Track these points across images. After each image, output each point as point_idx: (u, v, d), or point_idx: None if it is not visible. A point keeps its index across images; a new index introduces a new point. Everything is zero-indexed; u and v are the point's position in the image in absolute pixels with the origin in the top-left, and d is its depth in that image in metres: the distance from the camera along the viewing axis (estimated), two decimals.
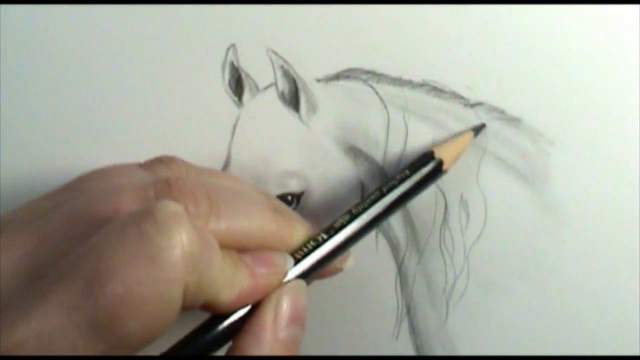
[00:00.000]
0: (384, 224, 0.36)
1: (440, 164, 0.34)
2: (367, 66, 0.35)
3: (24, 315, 0.24)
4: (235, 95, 0.36)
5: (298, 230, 0.32)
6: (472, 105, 0.35)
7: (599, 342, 0.36)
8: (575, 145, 0.35)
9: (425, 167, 0.34)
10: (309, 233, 0.32)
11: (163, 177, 0.30)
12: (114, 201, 0.28)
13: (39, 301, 0.24)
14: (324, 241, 0.31)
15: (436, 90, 0.35)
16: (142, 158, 0.36)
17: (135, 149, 0.36)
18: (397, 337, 0.37)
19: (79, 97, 0.36)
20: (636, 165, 0.34)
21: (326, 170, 0.36)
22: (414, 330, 0.37)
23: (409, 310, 0.37)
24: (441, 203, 0.36)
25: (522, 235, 0.36)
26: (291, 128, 0.36)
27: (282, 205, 0.33)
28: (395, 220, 0.36)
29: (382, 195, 0.33)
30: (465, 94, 0.35)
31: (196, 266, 0.25)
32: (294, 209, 0.36)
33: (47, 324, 0.24)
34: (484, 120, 0.35)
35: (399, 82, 0.35)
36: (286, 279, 0.30)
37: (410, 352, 0.37)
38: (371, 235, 0.36)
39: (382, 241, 0.37)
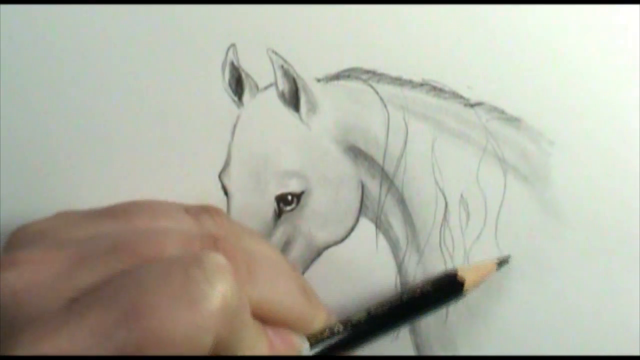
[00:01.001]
0: (384, 223, 0.36)
1: (461, 286, 0.34)
2: (367, 66, 0.35)
3: (52, 332, 0.24)
4: (235, 95, 0.36)
5: (320, 317, 0.32)
6: (472, 105, 0.35)
7: (599, 342, 0.36)
8: (575, 145, 0.35)
9: (446, 288, 0.35)
10: (327, 320, 0.33)
11: (208, 231, 0.31)
12: (160, 243, 0.28)
13: (70, 322, 0.24)
14: (339, 332, 0.32)
15: (436, 90, 0.35)
16: (142, 158, 0.36)
17: (135, 149, 0.36)
18: (397, 337, 0.37)
19: (79, 97, 0.36)
20: (636, 165, 0.34)
21: (326, 170, 0.36)
22: (414, 330, 0.37)
23: None
24: (441, 203, 0.36)
25: (522, 235, 0.36)
26: (291, 128, 0.36)
27: (309, 286, 0.34)
28: (395, 220, 0.36)
29: (402, 303, 0.34)
30: (465, 94, 0.35)
31: (231, 321, 0.26)
32: (294, 208, 0.36)
33: (73, 345, 0.24)
34: (483, 121, 0.35)
35: (399, 82, 0.35)
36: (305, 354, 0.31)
37: (410, 352, 0.37)
38: (371, 235, 0.36)
39: (382, 241, 0.37)
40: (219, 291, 0.25)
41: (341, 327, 0.32)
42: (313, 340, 0.32)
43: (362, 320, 0.33)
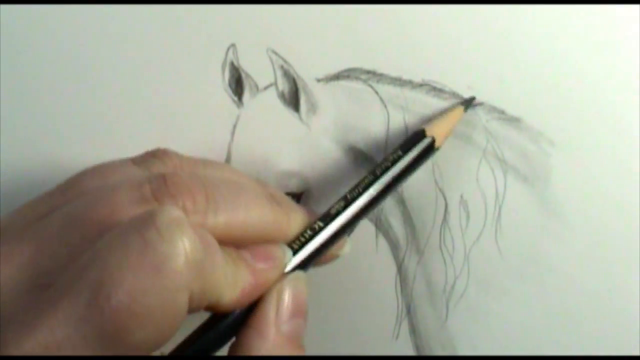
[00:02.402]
0: (384, 223, 0.36)
1: (432, 141, 0.33)
2: (367, 66, 0.35)
3: (30, 327, 0.24)
4: (235, 95, 0.36)
5: (295, 219, 0.31)
6: (473, 106, 0.35)
7: (599, 342, 0.36)
8: (575, 145, 0.35)
9: (417, 146, 0.33)
10: (306, 220, 0.32)
11: (157, 173, 0.29)
12: (110, 202, 0.27)
13: (44, 313, 0.24)
14: (321, 229, 0.31)
15: (436, 90, 0.35)
16: None
17: (135, 149, 0.36)
18: (397, 337, 0.37)
19: (79, 98, 0.36)
20: (636, 165, 0.34)
21: (326, 170, 0.36)
22: (414, 330, 0.37)
23: (409, 310, 0.37)
24: (441, 203, 0.36)
25: (522, 235, 0.36)
26: (291, 128, 0.36)
27: (278, 192, 0.33)
28: (395, 220, 0.36)
29: (376, 178, 0.32)
30: (465, 94, 0.35)
31: (200, 272, 0.25)
32: None
33: (54, 336, 0.24)
34: (483, 121, 0.35)
35: (399, 82, 0.35)
36: (286, 269, 0.30)
37: (410, 352, 0.37)
38: (371, 235, 0.36)
39: (382, 241, 0.37)
40: (179, 247, 0.25)
41: (322, 224, 0.31)
42: (297, 244, 0.31)
43: (341, 208, 0.32)
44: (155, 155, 0.31)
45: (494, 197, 0.36)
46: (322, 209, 0.36)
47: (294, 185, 0.36)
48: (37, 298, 0.25)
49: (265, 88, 0.36)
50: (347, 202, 0.32)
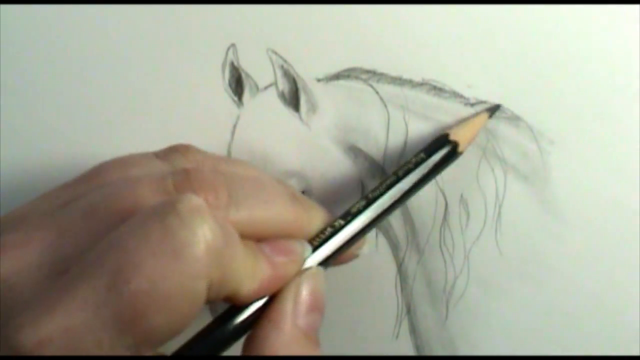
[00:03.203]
0: (384, 223, 0.36)
1: (455, 146, 0.33)
2: (367, 66, 0.35)
3: (49, 311, 0.24)
4: (235, 95, 0.36)
5: (316, 217, 0.31)
6: (472, 105, 0.35)
7: (599, 342, 0.36)
8: (575, 145, 0.35)
9: (441, 150, 0.33)
10: (326, 219, 0.32)
11: (180, 167, 0.30)
12: (133, 194, 0.27)
13: (63, 297, 0.24)
14: (341, 227, 0.31)
15: (436, 90, 0.35)
16: None
17: (135, 149, 0.36)
18: (397, 337, 0.37)
19: (79, 98, 0.36)
20: (636, 165, 0.34)
21: (326, 170, 0.36)
22: (414, 330, 0.37)
23: (409, 310, 0.37)
24: (441, 203, 0.36)
25: (522, 235, 0.36)
26: (291, 128, 0.36)
27: (298, 192, 0.33)
28: (395, 220, 0.36)
29: (398, 179, 0.32)
30: (465, 93, 0.35)
31: (220, 260, 0.25)
32: None
33: (72, 320, 0.24)
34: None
35: (399, 81, 0.35)
36: (305, 266, 0.30)
37: (410, 352, 0.37)
38: (371, 234, 0.36)
39: (382, 241, 0.37)
40: (200, 234, 0.25)
41: (342, 222, 0.31)
42: (317, 241, 0.31)
43: (362, 207, 0.32)
44: (178, 150, 0.32)
45: (494, 197, 0.36)
46: None
47: (294, 185, 0.36)
48: (56, 283, 0.25)
49: (265, 88, 0.36)
50: (369, 201, 0.32)
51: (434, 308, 0.37)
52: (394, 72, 0.35)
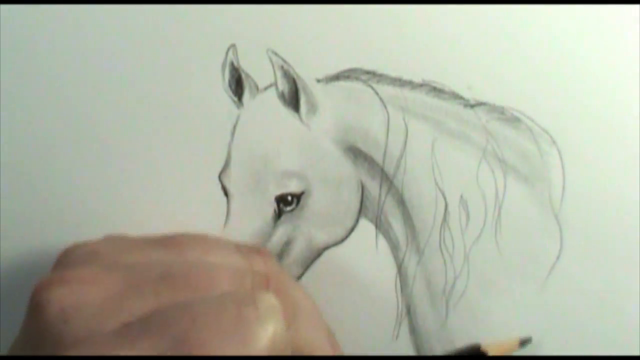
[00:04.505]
0: (384, 223, 0.36)
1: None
2: (367, 66, 0.35)
3: (102, 354, 0.24)
4: (235, 95, 0.36)
5: None
6: (472, 106, 0.35)
7: (599, 342, 0.36)
8: (575, 145, 0.35)
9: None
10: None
11: (262, 271, 0.31)
12: (212, 277, 0.28)
13: (120, 347, 0.24)
14: None
15: (436, 91, 0.35)
16: (142, 158, 0.36)
17: (135, 150, 0.36)
18: (397, 337, 0.37)
19: (78, 97, 0.36)
20: (636, 165, 0.34)
21: (326, 170, 0.36)
22: (414, 330, 0.37)
23: (409, 310, 0.37)
24: (441, 203, 0.36)
25: (522, 235, 0.36)
26: (291, 128, 0.36)
27: (332, 332, 0.34)
28: (395, 220, 0.36)
29: None
30: (465, 94, 0.35)
31: None
32: (294, 209, 0.36)
33: None
34: (483, 121, 0.35)
35: (399, 82, 0.35)
36: None
37: (410, 352, 0.37)
38: (371, 234, 0.36)
39: (382, 241, 0.37)
40: (269, 332, 0.26)
41: None
42: None
43: None
44: (259, 253, 0.33)
45: (494, 197, 0.36)
46: (322, 208, 0.36)
47: (294, 185, 0.36)
48: (117, 332, 0.25)
49: (265, 88, 0.36)
50: None
51: (433, 308, 0.37)
52: (394, 73, 0.35)
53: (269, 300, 0.27)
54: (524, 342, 0.36)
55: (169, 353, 0.24)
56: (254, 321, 0.25)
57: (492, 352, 0.35)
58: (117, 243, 0.30)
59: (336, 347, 0.33)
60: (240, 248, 0.32)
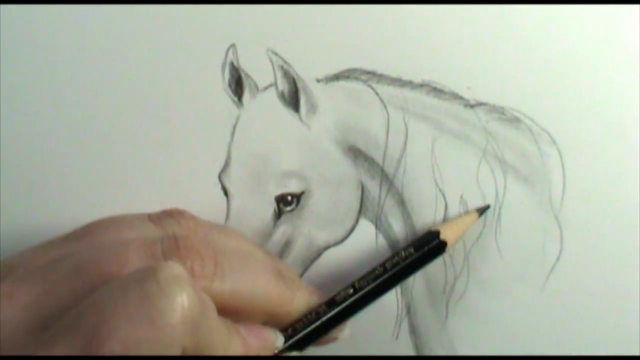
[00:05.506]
0: (384, 223, 0.36)
1: (444, 244, 0.34)
2: (367, 66, 0.35)
3: None
4: (235, 95, 0.36)
5: (299, 297, 0.32)
6: (472, 106, 0.35)
7: (599, 342, 0.36)
8: (575, 145, 0.35)
9: (428, 246, 0.34)
10: (310, 300, 0.33)
11: (171, 234, 0.30)
12: (120, 257, 0.28)
13: (38, 354, 0.24)
14: (325, 313, 0.33)
15: (436, 91, 0.35)
16: (142, 158, 0.36)
17: (135, 150, 0.36)
18: (397, 337, 0.37)
19: (78, 97, 0.36)
20: (636, 165, 0.34)
21: (326, 170, 0.36)
22: (414, 331, 0.37)
23: (409, 311, 0.37)
24: (441, 203, 0.36)
25: (521, 235, 0.36)
26: (291, 128, 0.36)
27: (286, 268, 0.34)
28: (395, 220, 0.36)
29: (385, 271, 0.34)
30: (465, 94, 0.35)
31: (195, 330, 0.26)
32: (294, 209, 0.36)
33: None
34: (483, 122, 0.35)
35: (398, 82, 0.35)
36: (281, 347, 0.31)
37: (410, 352, 0.37)
38: (371, 234, 0.36)
39: (382, 241, 0.37)
40: (177, 303, 0.25)
41: (326, 308, 0.33)
42: (299, 325, 0.32)
43: (348, 296, 0.33)
44: (171, 215, 0.32)
45: (494, 197, 0.36)
46: (322, 208, 0.36)
47: (294, 185, 0.36)
48: (35, 339, 0.25)
49: (265, 88, 0.36)
50: (355, 290, 0.33)
51: (433, 308, 0.37)
52: (393, 73, 0.35)
53: (170, 270, 0.26)
54: (482, 211, 0.35)
55: (84, 350, 0.24)
56: (158, 296, 0.25)
57: (450, 233, 0.35)
58: (34, 250, 0.30)
59: (289, 280, 0.32)
60: (152, 217, 0.32)
